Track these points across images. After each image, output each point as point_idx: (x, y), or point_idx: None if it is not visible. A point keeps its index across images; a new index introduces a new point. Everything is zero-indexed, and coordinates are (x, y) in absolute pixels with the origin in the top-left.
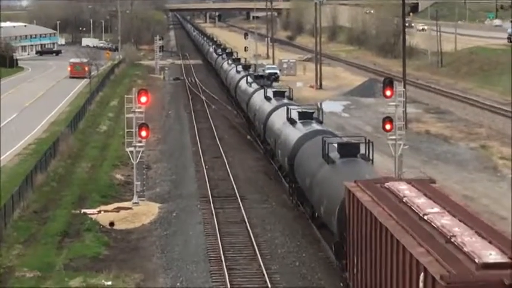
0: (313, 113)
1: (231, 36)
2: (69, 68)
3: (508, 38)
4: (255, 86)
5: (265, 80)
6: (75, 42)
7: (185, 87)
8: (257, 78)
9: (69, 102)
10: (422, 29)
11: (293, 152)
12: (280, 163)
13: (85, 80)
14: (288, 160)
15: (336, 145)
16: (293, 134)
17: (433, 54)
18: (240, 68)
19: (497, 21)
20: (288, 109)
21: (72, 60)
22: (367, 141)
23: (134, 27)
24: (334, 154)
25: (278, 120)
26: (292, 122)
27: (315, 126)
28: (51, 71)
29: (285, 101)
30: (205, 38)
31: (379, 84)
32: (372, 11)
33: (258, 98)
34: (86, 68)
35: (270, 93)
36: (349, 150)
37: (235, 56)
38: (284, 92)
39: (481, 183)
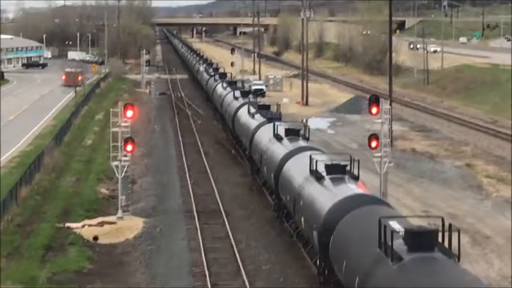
0: (299, 130)
1: (217, 51)
2: (63, 77)
3: None
4: (259, 117)
5: (269, 112)
6: (61, 56)
7: (171, 102)
8: (261, 108)
9: (55, 116)
10: (435, 51)
11: (279, 167)
12: (265, 178)
13: (71, 93)
14: (273, 176)
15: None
16: (279, 150)
17: (419, 72)
18: (238, 94)
19: (462, 39)
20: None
21: (67, 69)
22: (352, 159)
23: (121, 41)
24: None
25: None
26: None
27: (301, 143)
28: (37, 83)
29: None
30: (193, 54)
31: (365, 101)
32: (369, 32)
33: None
34: (80, 77)
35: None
36: (336, 169)
37: (229, 76)
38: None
39: (465, 202)
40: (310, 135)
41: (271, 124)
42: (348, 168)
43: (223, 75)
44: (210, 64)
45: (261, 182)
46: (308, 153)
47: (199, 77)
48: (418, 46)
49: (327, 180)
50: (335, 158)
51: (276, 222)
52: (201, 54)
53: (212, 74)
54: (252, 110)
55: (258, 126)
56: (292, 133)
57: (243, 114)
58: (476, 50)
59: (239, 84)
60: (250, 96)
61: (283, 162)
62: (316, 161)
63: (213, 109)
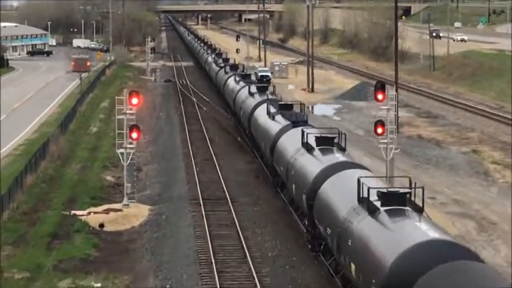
0: (333, 138)
1: (222, 38)
2: (72, 63)
3: None
4: (281, 120)
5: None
6: (66, 43)
7: (176, 89)
8: (283, 108)
9: (60, 103)
10: (462, 40)
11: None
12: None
13: (76, 81)
14: (306, 198)
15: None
16: (312, 165)
17: (425, 58)
18: (254, 89)
19: (457, 24)
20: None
21: (75, 56)
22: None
23: (126, 28)
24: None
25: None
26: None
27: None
28: (42, 71)
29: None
30: (199, 42)
31: (371, 87)
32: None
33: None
34: (88, 63)
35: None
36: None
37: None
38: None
39: (472, 188)
40: (315, 121)
41: (298, 130)
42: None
43: (234, 67)
44: (219, 54)
45: (287, 201)
46: (350, 172)
47: (207, 67)
48: (441, 34)
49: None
50: (394, 189)
51: (282, 209)
52: (208, 42)
53: (222, 65)
54: (272, 110)
55: (281, 131)
56: (325, 142)
57: (261, 115)
58: (483, 35)
59: (253, 77)
60: (268, 92)
61: (318, 183)
62: (369, 189)
63: (220, 98)
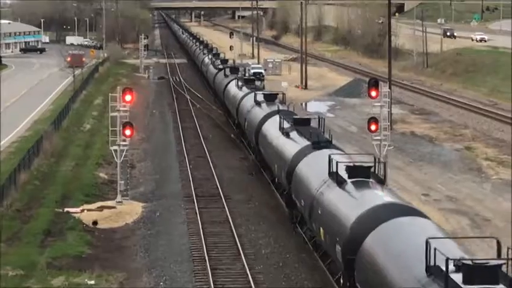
0: (370, 168)
1: (216, 35)
2: (69, 59)
3: None
4: (298, 138)
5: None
6: (59, 40)
7: (170, 86)
8: (299, 123)
9: (53, 101)
10: (482, 40)
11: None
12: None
13: (69, 78)
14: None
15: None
16: (349, 208)
17: (418, 55)
18: (260, 97)
19: (440, 20)
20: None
21: (71, 51)
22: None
23: (119, 25)
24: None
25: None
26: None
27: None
28: (35, 68)
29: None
30: (193, 39)
31: (365, 84)
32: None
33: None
34: (84, 59)
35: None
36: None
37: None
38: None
39: (465, 184)
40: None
41: (322, 154)
42: None
43: (234, 70)
44: (217, 54)
45: (314, 249)
46: (408, 220)
47: (203, 68)
48: (456, 34)
49: None
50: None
51: (276, 206)
52: (202, 39)
53: (220, 67)
54: (286, 124)
55: (300, 154)
56: (360, 172)
57: (272, 130)
58: (476, 32)
59: (255, 82)
60: (277, 101)
61: (358, 235)
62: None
63: (216, 99)
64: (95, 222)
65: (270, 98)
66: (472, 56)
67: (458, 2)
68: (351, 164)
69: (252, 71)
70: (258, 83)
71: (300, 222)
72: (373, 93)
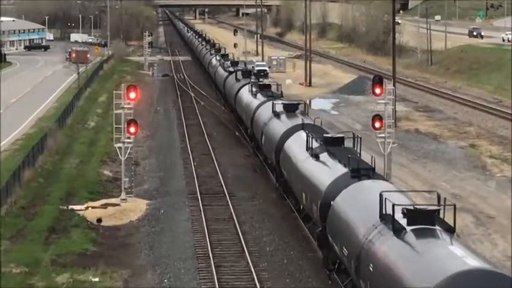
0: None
1: (220, 33)
2: (73, 55)
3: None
4: (330, 161)
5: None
6: (63, 38)
7: (174, 84)
8: (330, 143)
9: (57, 98)
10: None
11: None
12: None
13: (73, 75)
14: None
15: None
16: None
17: (422, 52)
18: (279, 107)
19: (437, 17)
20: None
21: (75, 48)
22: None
23: (123, 23)
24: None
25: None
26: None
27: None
28: (40, 66)
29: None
30: (197, 37)
31: (369, 82)
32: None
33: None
34: (88, 55)
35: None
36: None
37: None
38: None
39: (469, 182)
40: (313, 116)
41: (366, 186)
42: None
43: (247, 73)
44: (225, 55)
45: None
46: None
47: (211, 70)
48: (483, 33)
49: None
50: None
51: (280, 203)
52: (209, 39)
53: (231, 69)
54: (315, 144)
55: (338, 184)
56: (423, 218)
57: (297, 149)
58: (480, 29)
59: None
60: (299, 112)
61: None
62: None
63: (222, 100)
64: (99, 220)
65: (291, 108)
66: (476, 53)
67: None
68: (411, 207)
69: (256, 68)
70: (272, 85)
71: (338, 270)
72: (378, 91)
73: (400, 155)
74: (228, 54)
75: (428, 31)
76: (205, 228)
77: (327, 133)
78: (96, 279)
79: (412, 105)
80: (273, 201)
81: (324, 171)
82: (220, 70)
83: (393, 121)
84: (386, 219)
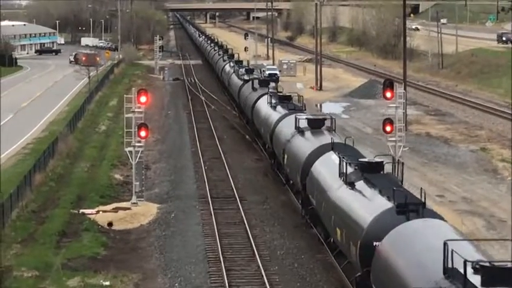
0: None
1: (231, 37)
2: (83, 58)
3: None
4: (361, 186)
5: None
6: (74, 42)
7: (185, 88)
8: (366, 169)
9: (68, 102)
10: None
11: None
12: None
13: (84, 79)
14: None
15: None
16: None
17: (433, 56)
18: (303, 122)
19: (443, 20)
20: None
21: (84, 51)
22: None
23: (134, 26)
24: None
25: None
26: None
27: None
28: (50, 70)
29: None
30: (208, 41)
31: (380, 85)
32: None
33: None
34: (98, 58)
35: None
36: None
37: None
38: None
39: (480, 186)
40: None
41: (419, 227)
42: None
43: (264, 82)
44: (239, 62)
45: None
46: None
47: (224, 77)
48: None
49: None
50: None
51: (291, 207)
52: (221, 44)
53: (246, 78)
54: (349, 169)
55: (382, 224)
56: (502, 278)
57: (328, 175)
58: (491, 33)
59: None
60: (325, 128)
61: None
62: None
63: (237, 110)
64: (110, 224)
65: (317, 123)
66: (488, 57)
67: (474, 3)
68: (486, 262)
69: (267, 72)
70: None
71: None
72: (388, 94)
73: (411, 158)
74: (242, 61)
75: (439, 34)
76: (216, 231)
77: (360, 154)
78: (107, 283)
79: (423, 108)
80: (284, 205)
81: (363, 205)
82: (235, 78)
83: (404, 125)
84: (454, 276)
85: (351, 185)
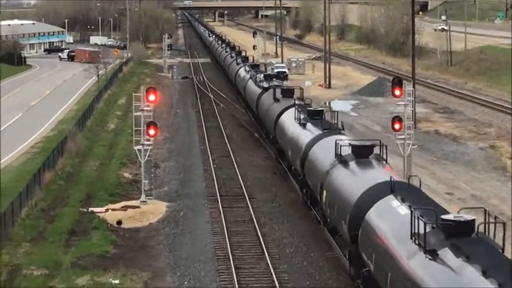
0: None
1: (239, 35)
2: (87, 55)
3: None
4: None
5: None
6: (83, 41)
7: (193, 86)
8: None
9: (77, 101)
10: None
11: None
12: None
13: (93, 78)
14: None
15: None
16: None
17: (442, 54)
18: (347, 150)
19: (444, 17)
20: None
21: (88, 49)
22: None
23: (143, 25)
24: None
25: None
26: None
27: None
28: (59, 69)
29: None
30: (217, 40)
31: (388, 83)
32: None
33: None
34: (100, 55)
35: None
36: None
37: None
38: None
39: (489, 183)
40: (333, 117)
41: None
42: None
43: (288, 92)
44: (256, 66)
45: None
46: None
47: (239, 82)
48: (453, 29)
49: None
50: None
51: (300, 205)
52: (234, 45)
53: (265, 85)
54: (422, 226)
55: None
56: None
57: (396, 233)
58: (500, 30)
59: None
60: (374, 156)
61: None
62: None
63: (256, 122)
64: (119, 222)
65: (363, 152)
66: (496, 54)
67: (483, 0)
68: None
69: (276, 70)
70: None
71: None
72: (397, 92)
73: (420, 156)
74: (259, 65)
75: (448, 32)
76: (225, 230)
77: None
78: (117, 282)
79: (431, 106)
80: (293, 203)
81: (408, 249)
82: (252, 85)
83: (413, 122)
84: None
85: (432, 254)
